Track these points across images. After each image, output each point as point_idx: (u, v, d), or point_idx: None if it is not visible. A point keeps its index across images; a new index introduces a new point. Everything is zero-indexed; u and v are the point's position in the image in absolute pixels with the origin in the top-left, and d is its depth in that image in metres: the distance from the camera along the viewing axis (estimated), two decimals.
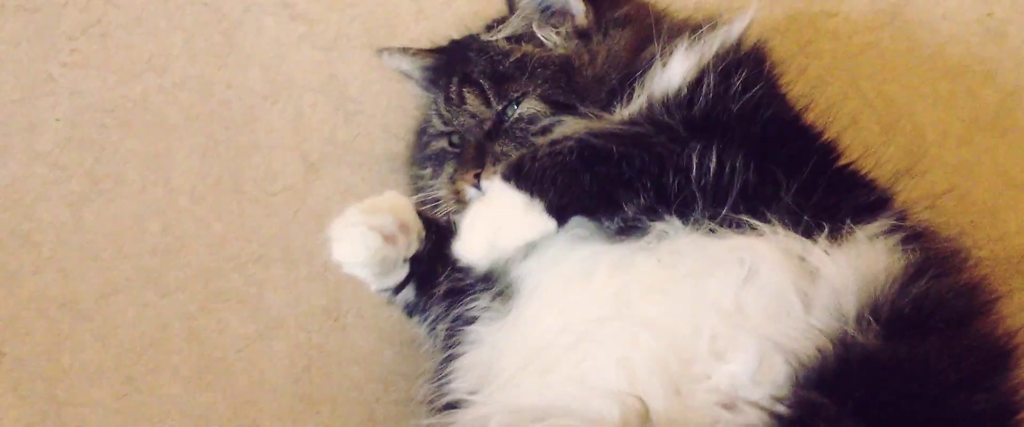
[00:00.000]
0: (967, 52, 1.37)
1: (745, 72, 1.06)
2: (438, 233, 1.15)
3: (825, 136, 1.10)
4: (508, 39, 1.23)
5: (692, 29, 1.14)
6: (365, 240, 1.08)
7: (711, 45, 1.10)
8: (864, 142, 1.17)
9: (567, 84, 1.17)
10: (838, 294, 0.94)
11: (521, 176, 1.02)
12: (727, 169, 1.01)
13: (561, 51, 1.19)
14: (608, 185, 1.02)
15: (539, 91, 1.17)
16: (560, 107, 1.16)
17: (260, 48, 1.43)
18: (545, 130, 1.15)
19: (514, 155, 1.13)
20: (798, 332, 0.92)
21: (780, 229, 0.99)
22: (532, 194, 1.01)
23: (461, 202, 1.18)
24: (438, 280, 1.14)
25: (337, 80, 1.42)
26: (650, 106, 1.07)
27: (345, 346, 1.33)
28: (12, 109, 1.39)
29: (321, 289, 1.35)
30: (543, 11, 1.22)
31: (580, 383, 0.97)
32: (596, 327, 1.00)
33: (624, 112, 1.10)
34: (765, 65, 1.13)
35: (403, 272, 1.14)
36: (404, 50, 1.33)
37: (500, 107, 1.19)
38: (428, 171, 1.27)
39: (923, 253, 0.98)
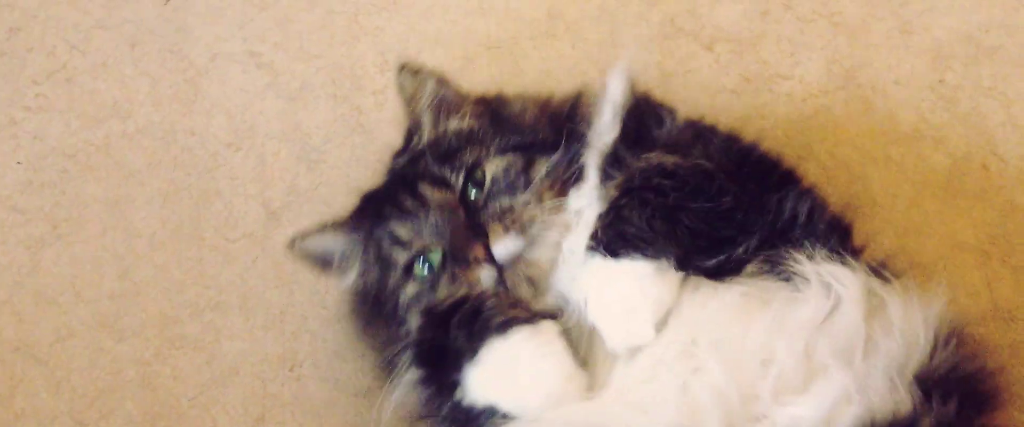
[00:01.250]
0: (919, 117, 1.39)
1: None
2: None
3: None
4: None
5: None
6: None
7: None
8: None
9: (514, 128, 1.14)
10: (904, 346, 0.95)
11: (625, 240, 0.98)
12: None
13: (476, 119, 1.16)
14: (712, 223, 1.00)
15: (494, 147, 1.12)
16: (525, 148, 1.11)
17: (225, 96, 1.44)
18: (527, 173, 1.09)
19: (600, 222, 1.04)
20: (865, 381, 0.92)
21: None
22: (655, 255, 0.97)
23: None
24: None
25: (300, 129, 1.43)
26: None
27: (300, 396, 1.32)
28: None
29: (277, 338, 1.35)
30: (443, 106, 1.18)
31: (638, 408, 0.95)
32: (667, 350, 0.97)
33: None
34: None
35: None
36: (319, 228, 1.22)
37: (462, 181, 1.09)
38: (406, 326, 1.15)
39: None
